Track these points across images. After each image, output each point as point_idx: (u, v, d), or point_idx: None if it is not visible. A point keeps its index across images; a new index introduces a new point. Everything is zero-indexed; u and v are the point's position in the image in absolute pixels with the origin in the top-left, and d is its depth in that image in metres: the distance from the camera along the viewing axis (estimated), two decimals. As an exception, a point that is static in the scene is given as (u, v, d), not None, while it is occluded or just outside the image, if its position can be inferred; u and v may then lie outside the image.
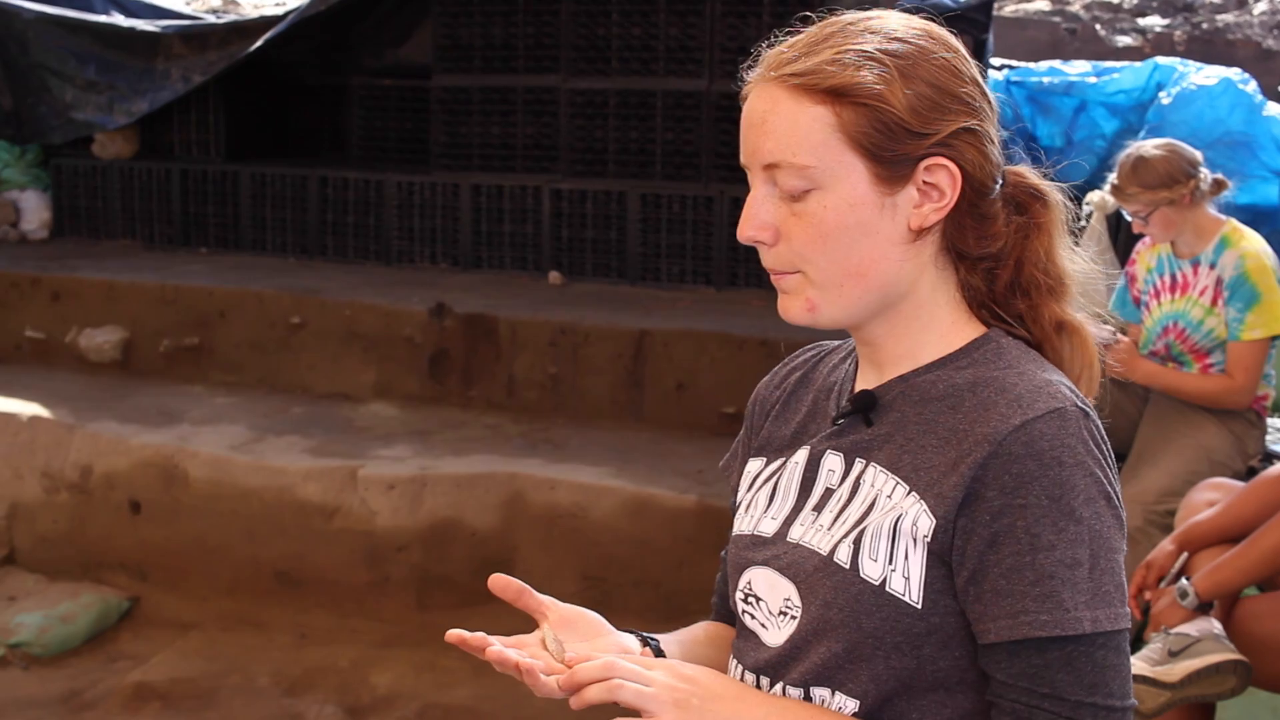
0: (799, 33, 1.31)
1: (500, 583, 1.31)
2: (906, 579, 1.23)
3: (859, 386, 1.37)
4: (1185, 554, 2.85)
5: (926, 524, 1.23)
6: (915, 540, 1.23)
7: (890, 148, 1.25)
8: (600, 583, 4.48)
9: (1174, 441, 3.60)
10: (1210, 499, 2.99)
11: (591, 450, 4.88)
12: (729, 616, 1.51)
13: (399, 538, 4.60)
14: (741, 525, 1.42)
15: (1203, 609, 2.68)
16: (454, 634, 1.25)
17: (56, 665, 4.50)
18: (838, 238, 1.26)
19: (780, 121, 1.26)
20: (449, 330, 5.52)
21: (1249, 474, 3.43)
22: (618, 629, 1.36)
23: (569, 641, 1.29)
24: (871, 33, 1.27)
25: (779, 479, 1.40)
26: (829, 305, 1.29)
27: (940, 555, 1.23)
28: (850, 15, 1.30)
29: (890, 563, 1.24)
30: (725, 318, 5.43)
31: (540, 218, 6.30)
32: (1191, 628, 2.61)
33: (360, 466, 4.72)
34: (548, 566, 4.53)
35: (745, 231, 1.28)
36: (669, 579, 4.36)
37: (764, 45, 1.33)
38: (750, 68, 1.33)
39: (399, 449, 4.91)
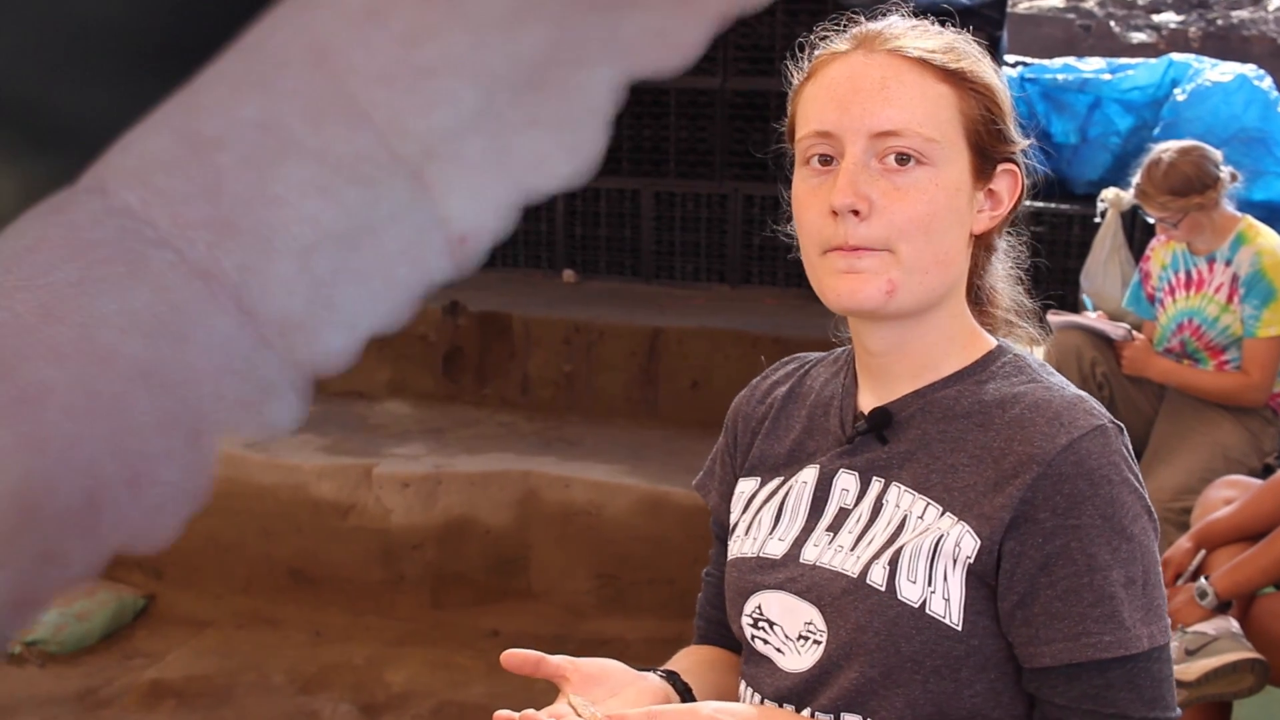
0: (860, 22, 1.29)
1: (516, 659, 1.23)
2: (946, 600, 1.20)
3: (863, 401, 1.33)
4: (1203, 551, 2.84)
5: (971, 545, 1.19)
6: (956, 561, 1.20)
7: (990, 143, 1.26)
8: (614, 580, 4.49)
9: (1190, 439, 3.58)
10: (1227, 496, 2.98)
11: (606, 448, 4.88)
12: (718, 639, 1.49)
13: (413, 535, 4.60)
14: (743, 548, 1.37)
15: (1221, 608, 2.67)
16: (501, 715, 1.15)
17: (72, 663, 4.51)
18: (942, 219, 1.22)
19: (907, 91, 1.21)
20: (463, 328, 5.52)
21: (1265, 471, 3.41)
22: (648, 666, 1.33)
23: (599, 701, 1.23)
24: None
25: (785, 499, 1.35)
26: (908, 291, 1.22)
27: (982, 577, 1.20)
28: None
29: (929, 584, 1.20)
30: (739, 315, 5.43)
31: (554, 216, 6.30)
32: (1209, 626, 2.60)
33: (375, 464, 4.72)
34: (562, 564, 4.53)
35: (844, 199, 1.19)
36: (683, 576, 4.35)
37: (825, 31, 1.30)
38: (816, 45, 1.29)
39: (413, 447, 4.91)
